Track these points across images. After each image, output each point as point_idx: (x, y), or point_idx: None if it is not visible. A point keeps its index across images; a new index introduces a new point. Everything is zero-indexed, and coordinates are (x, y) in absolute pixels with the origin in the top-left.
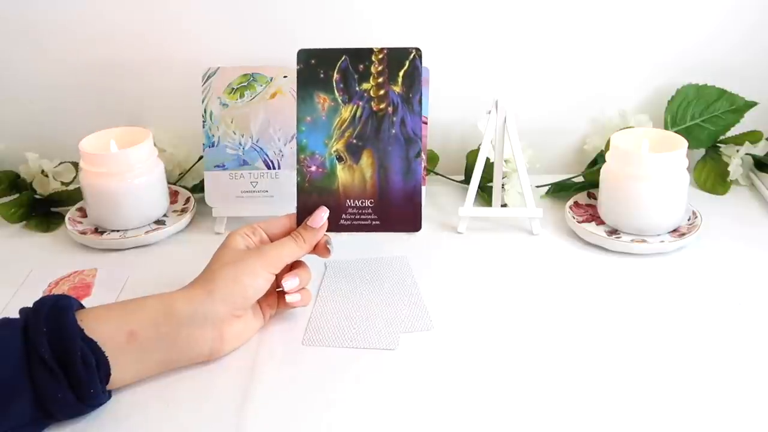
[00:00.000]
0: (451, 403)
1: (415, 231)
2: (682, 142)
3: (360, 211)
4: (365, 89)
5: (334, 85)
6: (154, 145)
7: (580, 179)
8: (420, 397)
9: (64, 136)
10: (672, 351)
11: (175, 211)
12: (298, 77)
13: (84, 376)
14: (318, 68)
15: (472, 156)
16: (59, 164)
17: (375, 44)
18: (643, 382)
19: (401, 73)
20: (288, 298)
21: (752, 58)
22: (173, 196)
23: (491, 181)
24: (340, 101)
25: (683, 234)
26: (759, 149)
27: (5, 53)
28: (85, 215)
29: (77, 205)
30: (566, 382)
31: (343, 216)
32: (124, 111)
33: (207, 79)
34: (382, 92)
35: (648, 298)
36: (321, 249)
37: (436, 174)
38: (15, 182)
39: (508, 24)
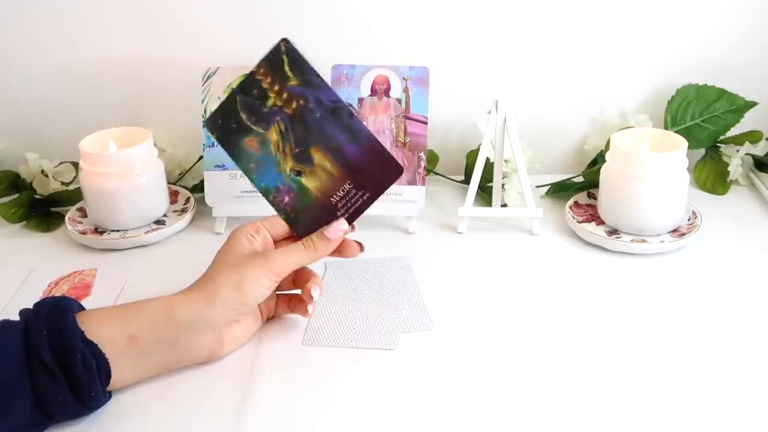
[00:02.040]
0: (451, 403)
1: (401, 173)
2: (682, 142)
3: (347, 198)
4: (272, 104)
5: (249, 124)
6: (154, 145)
7: (580, 179)
8: (420, 397)
9: (64, 136)
10: (672, 351)
11: (175, 211)
12: (221, 142)
13: (84, 378)
14: (228, 123)
15: (472, 156)
16: (59, 164)
17: (373, 44)
18: (643, 381)
19: (286, 69)
20: (310, 309)
21: (752, 58)
22: (173, 196)
23: (491, 181)
24: (262, 131)
25: (683, 234)
26: (759, 149)
27: (5, 53)
28: (85, 215)
29: (77, 205)
30: (566, 382)
31: (338, 213)
32: (124, 111)
33: (207, 79)
34: (285, 95)
35: (648, 298)
36: (354, 250)
37: (436, 174)
38: (15, 182)
39: (508, 24)
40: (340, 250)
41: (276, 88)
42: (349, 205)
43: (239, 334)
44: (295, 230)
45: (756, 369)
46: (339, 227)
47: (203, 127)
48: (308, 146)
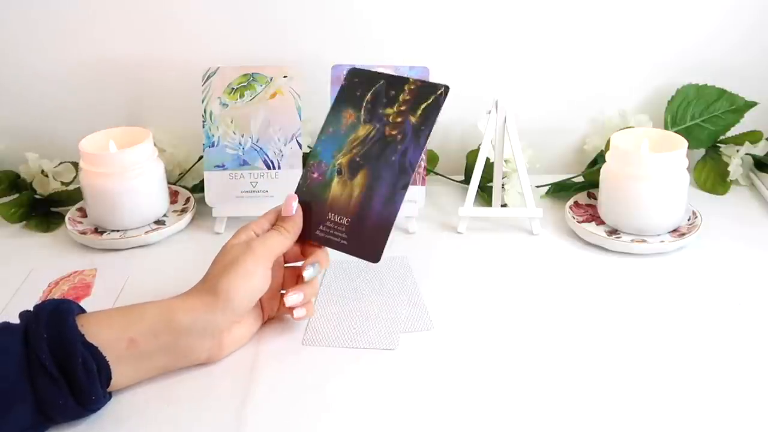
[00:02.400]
0: (451, 403)
1: (373, 262)
2: (682, 142)
3: (335, 227)
4: (386, 113)
5: (364, 104)
6: (154, 145)
7: (580, 179)
8: (420, 397)
9: (64, 136)
10: (672, 351)
11: (175, 211)
12: (339, 92)
13: (85, 381)
14: (358, 87)
15: (472, 156)
16: (59, 164)
17: (374, 45)
18: (643, 381)
19: (423, 105)
20: (296, 313)
21: (752, 58)
22: (173, 196)
23: (491, 181)
24: (362, 120)
25: (683, 234)
26: (759, 149)
27: (5, 53)
28: (85, 215)
29: (77, 205)
30: (566, 382)
31: (321, 227)
32: (124, 111)
33: (207, 79)
34: (399, 119)
35: (648, 298)
36: (324, 258)
37: (436, 174)
38: (15, 182)
39: (508, 24)
40: (310, 254)
41: (402, 108)
42: (331, 233)
43: (239, 336)
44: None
45: (756, 369)
46: (290, 203)
47: (347, 72)
48: (364, 165)
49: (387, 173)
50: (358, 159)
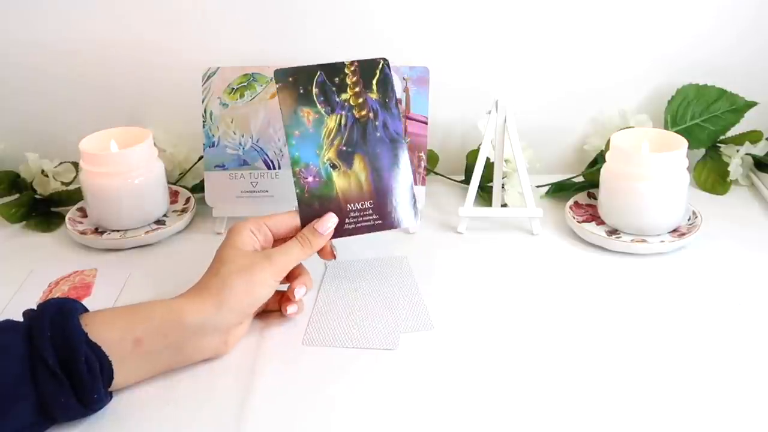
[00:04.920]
0: (451, 403)
1: (413, 225)
2: (682, 142)
3: (361, 214)
4: (345, 99)
5: (315, 99)
6: (154, 145)
7: (580, 179)
8: (420, 397)
9: (64, 136)
10: (672, 351)
11: (175, 211)
12: (278, 96)
13: (88, 381)
14: (297, 85)
15: (472, 156)
16: (59, 164)
17: (373, 44)
18: (643, 381)
19: (374, 81)
20: (289, 309)
21: (752, 58)
22: (173, 196)
23: (491, 181)
24: (323, 113)
25: (683, 234)
26: (759, 149)
27: (5, 53)
28: (85, 215)
29: (77, 205)
30: (566, 382)
31: (347, 220)
32: (124, 111)
33: (207, 79)
34: (361, 100)
35: (648, 298)
36: (327, 253)
37: (436, 174)
38: (15, 182)
39: (508, 24)
40: (320, 254)
41: (356, 89)
42: (359, 219)
43: (242, 331)
44: (301, 211)
45: (756, 369)
46: (329, 222)
47: (273, 75)
48: (355, 150)
49: (381, 148)
50: (344, 148)
